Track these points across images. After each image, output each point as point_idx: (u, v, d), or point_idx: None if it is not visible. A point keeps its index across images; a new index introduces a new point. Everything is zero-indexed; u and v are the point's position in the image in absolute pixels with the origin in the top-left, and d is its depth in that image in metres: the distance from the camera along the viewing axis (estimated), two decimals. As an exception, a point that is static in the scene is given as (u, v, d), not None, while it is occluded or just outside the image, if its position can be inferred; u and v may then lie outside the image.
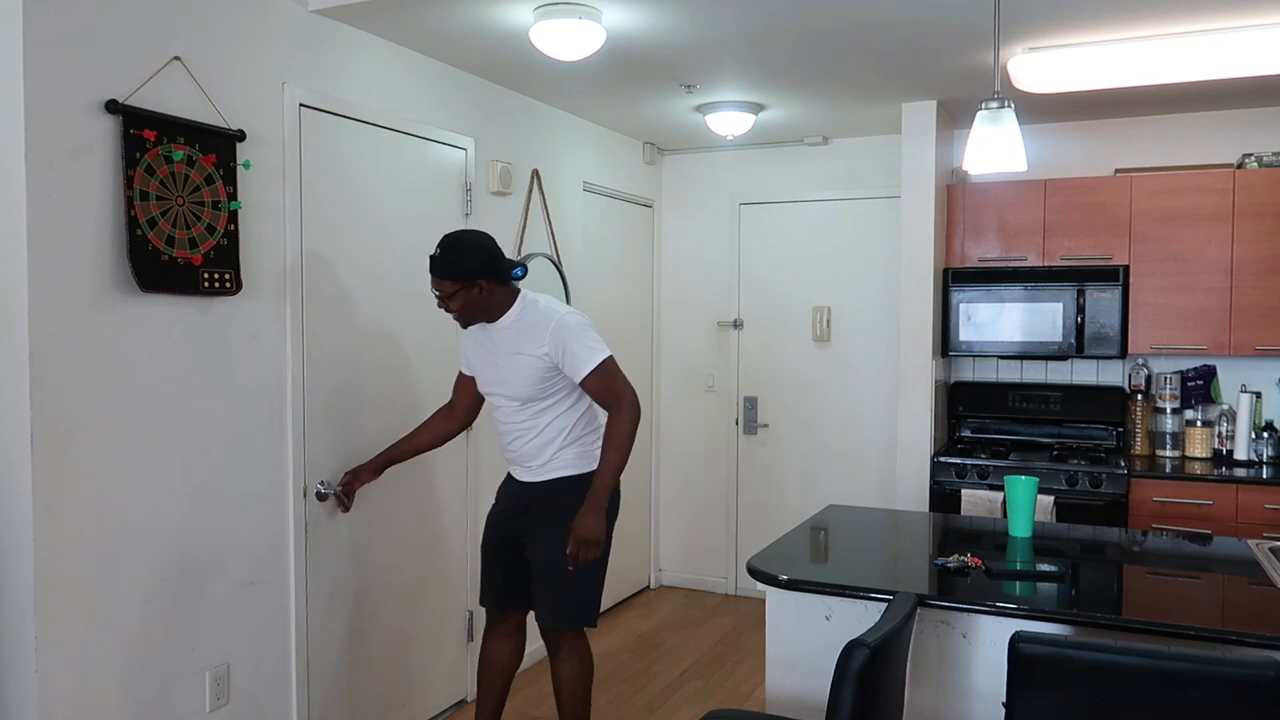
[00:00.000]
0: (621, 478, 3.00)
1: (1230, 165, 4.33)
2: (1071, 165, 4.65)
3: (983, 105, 2.77)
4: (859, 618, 2.49)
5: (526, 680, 4.15)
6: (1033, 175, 4.47)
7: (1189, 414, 4.42)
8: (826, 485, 5.24)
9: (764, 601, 2.69)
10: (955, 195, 4.60)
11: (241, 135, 2.81)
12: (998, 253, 4.52)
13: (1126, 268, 4.28)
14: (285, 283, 3.02)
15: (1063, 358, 4.59)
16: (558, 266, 4.49)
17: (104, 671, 2.53)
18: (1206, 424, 4.36)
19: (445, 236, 2.89)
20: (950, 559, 2.65)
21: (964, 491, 4.16)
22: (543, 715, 3.83)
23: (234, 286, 2.79)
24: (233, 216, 2.78)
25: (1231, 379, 4.42)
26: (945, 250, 4.61)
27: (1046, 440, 4.62)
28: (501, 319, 2.95)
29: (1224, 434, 4.34)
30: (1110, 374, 4.65)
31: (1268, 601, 2.40)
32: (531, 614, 3.13)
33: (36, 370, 2.33)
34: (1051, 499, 3.94)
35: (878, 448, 5.11)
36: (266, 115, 2.94)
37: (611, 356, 2.92)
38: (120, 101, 2.48)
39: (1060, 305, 4.34)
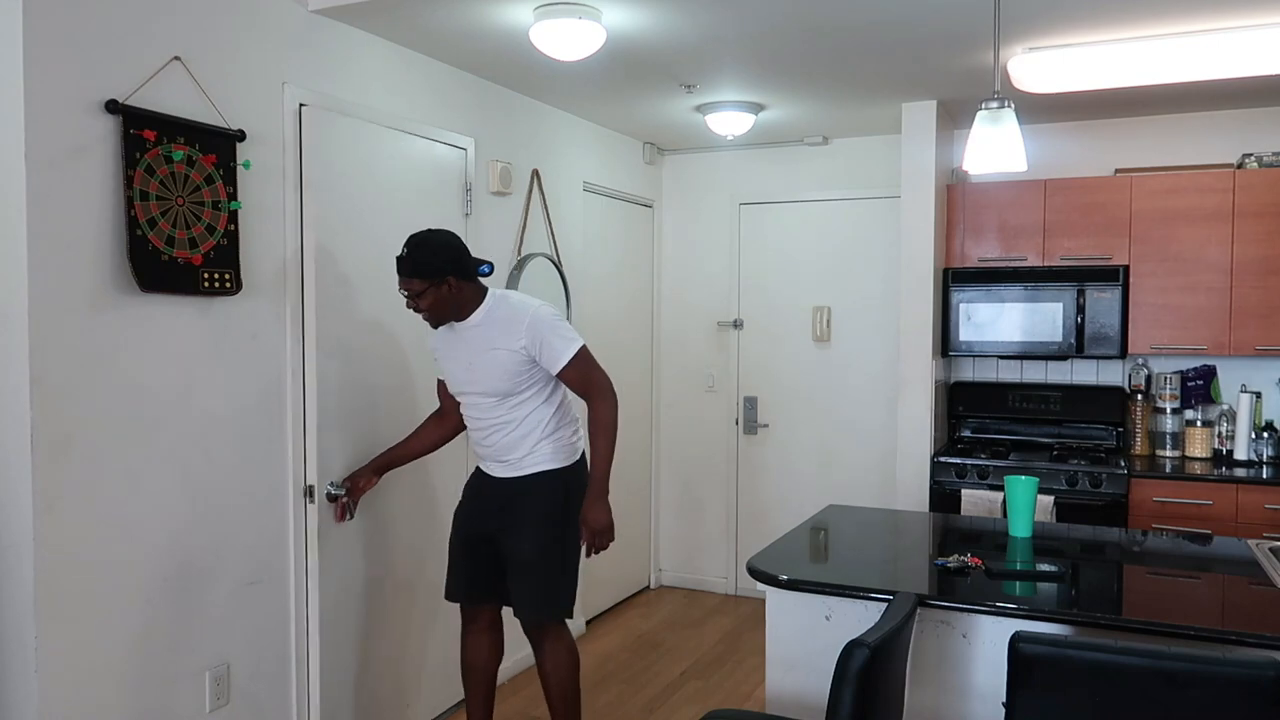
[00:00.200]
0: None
1: (1230, 165, 4.33)
2: (1071, 165, 4.65)
3: (983, 105, 2.77)
4: (859, 618, 2.49)
5: (526, 680, 4.15)
6: (1033, 175, 4.47)
7: (1189, 414, 4.42)
8: (826, 485, 5.24)
9: (764, 601, 2.69)
10: (955, 195, 4.60)
11: (241, 135, 2.81)
12: (998, 253, 4.52)
13: (1126, 268, 4.28)
14: (285, 283, 3.02)
15: (1063, 358, 4.59)
16: (558, 267, 4.49)
17: (104, 671, 2.52)
18: (1206, 424, 4.36)
19: (411, 237, 2.92)
20: (950, 559, 2.65)
21: (964, 491, 4.16)
22: (542, 715, 3.82)
23: (234, 286, 2.79)
24: (233, 216, 2.78)
25: (1231, 379, 4.42)
26: (945, 250, 4.61)
27: (1046, 440, 4.62)
28: (471, 317, 2.97)
29: (1224, 434, 4.34)
30: (1110, 374, 4.65)
31: (1268, 601, 2.40)
32: (506, 611, 3.14)
33: (36, 370, 2.33)
34: (1051, 499, 3.94)
35: (878, 448, 5.11)
36: (266, 115, 2.94)
37: (585, 346, 2.97)
38: (120, 101, 2.48)
39: (1060, 305, 4.34)
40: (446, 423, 3.23)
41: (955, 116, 4.65)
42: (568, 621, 3.11)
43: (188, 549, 2.74)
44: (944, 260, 4.60)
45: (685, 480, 5.65)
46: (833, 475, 5.26)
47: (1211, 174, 4.20)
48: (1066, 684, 1.96)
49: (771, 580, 2.58)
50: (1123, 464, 4.12)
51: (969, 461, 4.28)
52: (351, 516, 3.19)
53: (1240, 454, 4.22)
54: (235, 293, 2.80)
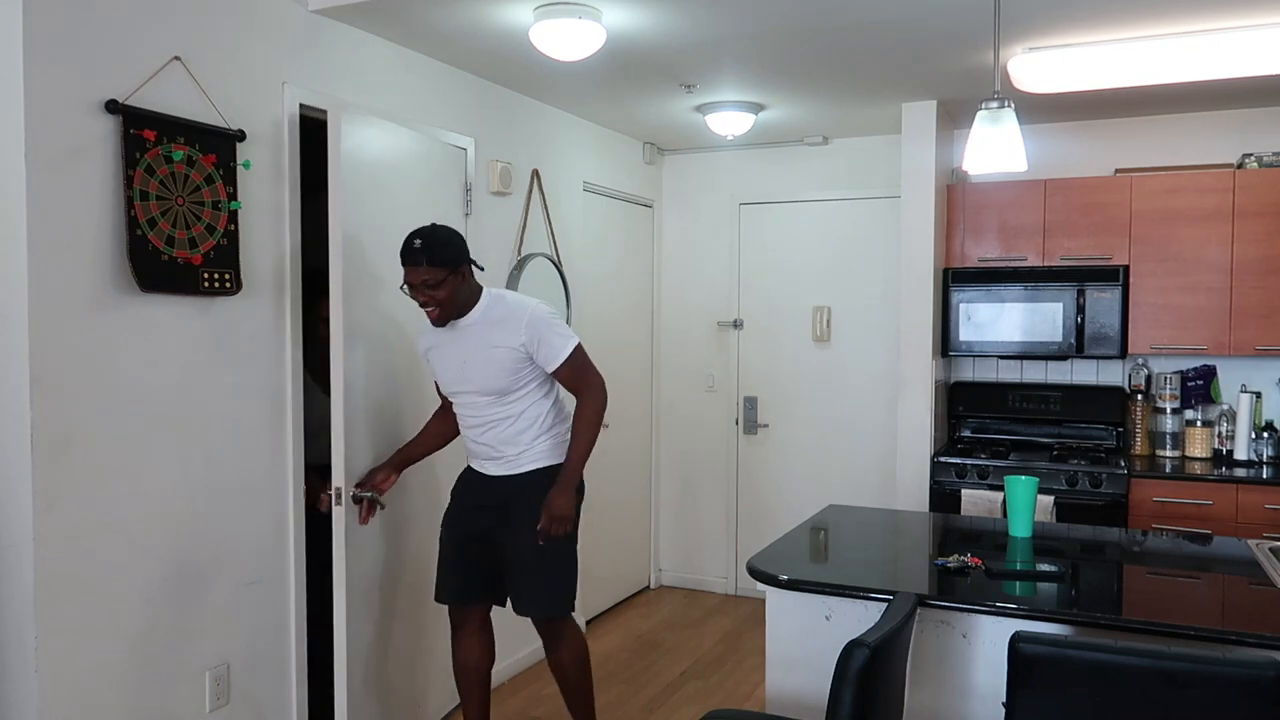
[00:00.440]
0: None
1: (1230, 165, 4.33)
2: (1071, 165, 4.65)
3: (983, 105, 2.77)
4: (859, 618, 2.49)
5: (526, 680, 4.15)
6: (1033, 175, 4.46)
7: (1189, 414, 4.42)
8: (826, 485, 5.24)
9: (764, 601, 2.69)
10: (955, 195, 4.60)
11: (241, 135, 2.81)
12: (998, 253, 4.52)
13: (1126, 268, 4.28)
14: (285, 282, 3.02)
15: (1063, 358, 4.59)
16: (558, 267, 4.49)
17: (104, 671, 2.53)
18: (1206, 424, 4.36)
19: (415, 232, 2.89)
20: (950, 559, 2.65)
21: (964, 491, 4.16)
22: (542, 715, 3.83)
23: (234, 286, 2.79)
24: (233, 216, 2.78)
25: (1231, 379, 4.42)
26: (945, 250, 4.61)
27: (1046, 440, 4.62)
28: (470, 314, 2.97)
29: (1224, 434, 4.34)
30: (1110, 374, 4.65)
31: (1268, 601, 2.40)
32: (493, 611, 3.15)
33: (36, 370, 2.33)
34: (1051, 499, 3.94)
35: (878, 448, 5.11)
36: (266, 115, 2.94)
37: (580, 343, 3.01)
38: (120, 101, 2.48)
39: (1060, 305, 4.34)
40: (449, 416, 3.20)
41: (955, 116, 4.65)
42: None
43: (188, 549, 2.74)
44: (944, 260, 4.60)
45: (685, 480, 5.65)
46: (833, 475, 5.25)
47: (1211, 174, 4.19)
48: (1066, 684, 1.96)
49: (771, 580, 2.58)
50: (1123, 464, 4.12)
51: (969, 461, 4.28)
52: (383, 507, 3.15)
53: (1240, 454, 4.22)
54: (235, 293, 2.80)
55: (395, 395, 3.36)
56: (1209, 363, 4.43)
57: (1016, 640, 1.99)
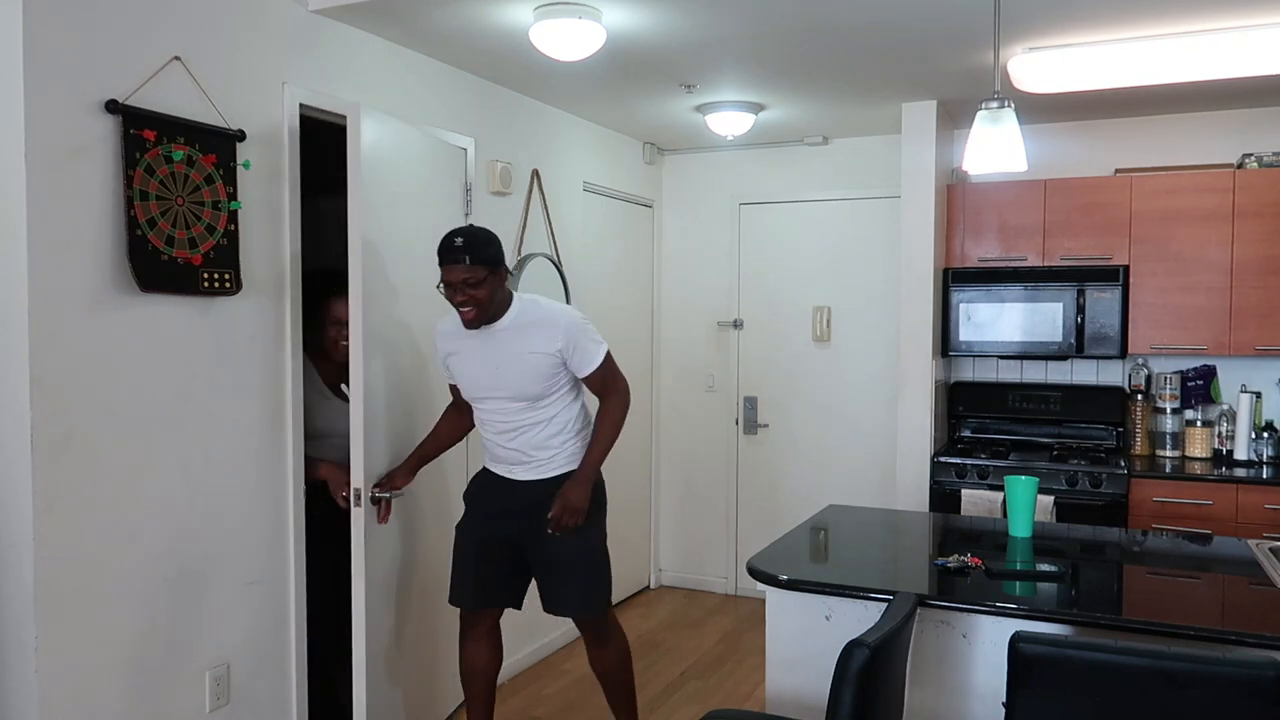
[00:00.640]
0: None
1: (1230, 165, 4.33)
2: (1071, 165, 4.65)
3: (983, 105, 2.77)
4: (859, 618, 2.49)
5: (526, 680, 4.15)
6: (1033, 175, 4.46)
7: (1189, 414, 4.42)
8: (826, 485, 5.24)
9: (764, 601, 2.69)
10: (955, 195, 4.60)
11: (241, 135, 2.81)
12: (998, 253, 4.52)
13: (1126, 268, 4.28)
14: (285, 283, 3.02)
15: (1063, 358, 4.59)
16: (558, 266, 4.49)
17: (104, 671, 2.53)
18: (1206, 424, 4.36)
19: (455, 230, 2.86)
20: (950, 559, 2.65)
21: (964, 491, 4.16)
22: (543, 715, 3.83)
23: (234, 286, 2.79)
24: (233, 216, 2.78)
25: (1231, 379, 4.42)
26: (945, 250, 4.61)
27: (1046, 440, 4.62)
28: (502, 319, 2.95)
29: (1224, 434, 4.34)
30: (1110, 374, 4.65)
31: (1268, 601, 2.40)
32: (506, 615, 3.17)
33: (36, 370, 2.33)
34: (1051, 499, 3.94)
35: (878, 448, 5.11)
36: (266, 115, 2.94)
37: (609, 349, 3.04)
38: (120, 101, 2.48)
39: (1060, 305, 4.34)
40: (464, 410, 3.17)
41: (955, 116, 4.65)
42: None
43: (188, 549, 2.74)
44: (944, 260, 4.60)
45: (685, 480, 5.65)
46: (833, 475, 5.25)
47: (1211, 174, 4.20)
48: (1066, 684, 1.96)
49: (771, 580, 2.58)
50: (1123, 464, 4.12)
51: (969, 461, 4.28)
52: (394, 503, 3.13)
53: (1240, 454, 4.22)
54: (235, 293, 2.80)
55: (407, 396, 3.36)
56: (1209, 363, 4.43)
57: (1016, 640, 1.99)
